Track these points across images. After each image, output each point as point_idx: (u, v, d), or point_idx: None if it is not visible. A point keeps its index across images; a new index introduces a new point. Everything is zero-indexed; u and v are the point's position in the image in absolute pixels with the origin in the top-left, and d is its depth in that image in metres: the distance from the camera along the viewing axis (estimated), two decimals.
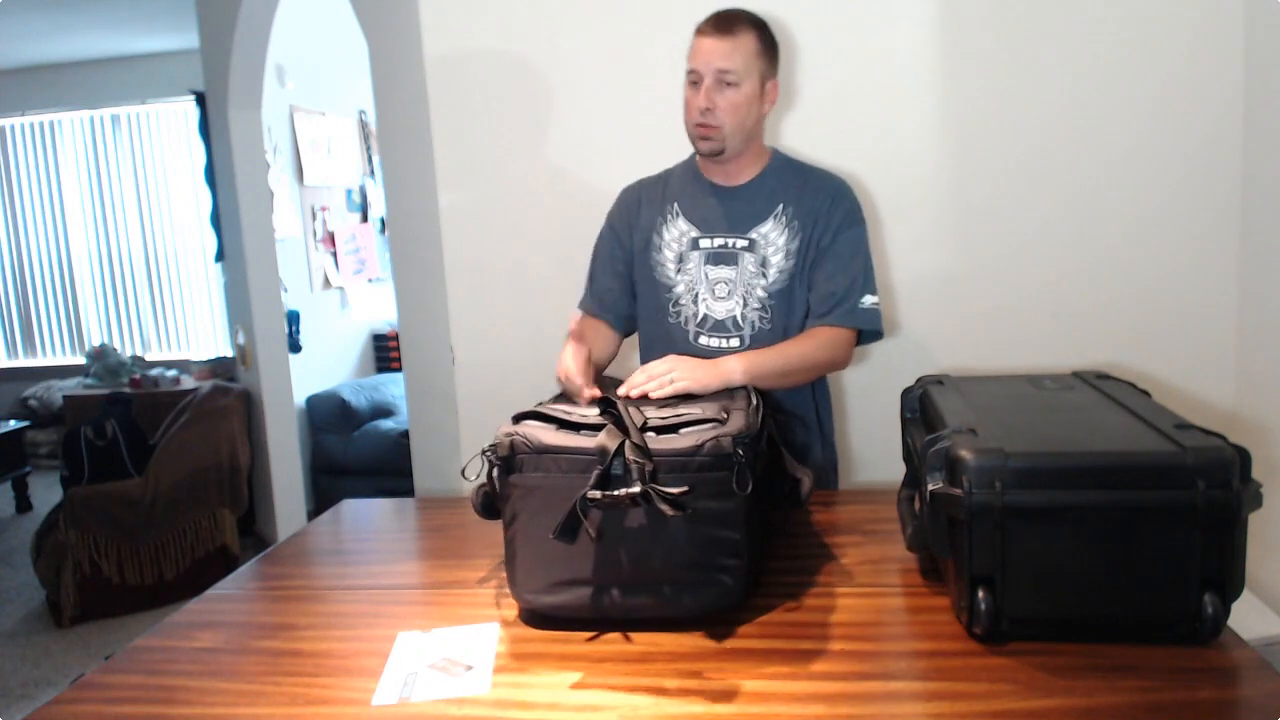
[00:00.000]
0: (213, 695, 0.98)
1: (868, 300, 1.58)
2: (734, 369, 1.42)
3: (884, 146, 2.09)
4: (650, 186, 1.71)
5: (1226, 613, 0.94)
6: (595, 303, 1.71)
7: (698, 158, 1.65)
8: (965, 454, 0.96)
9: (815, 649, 1.00)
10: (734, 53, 1.50)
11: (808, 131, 2.10)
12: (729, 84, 1.51)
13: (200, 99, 4.18)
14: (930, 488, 1.00)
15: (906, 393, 1.34)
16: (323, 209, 4.88)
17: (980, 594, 0.96)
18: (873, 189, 2.10)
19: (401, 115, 2.38)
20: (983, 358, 2.11)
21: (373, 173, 5.31)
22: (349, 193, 5.16)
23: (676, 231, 1.63)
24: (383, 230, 5.29)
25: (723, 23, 1.52)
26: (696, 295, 1.61)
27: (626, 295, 1.71)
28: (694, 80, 1.54)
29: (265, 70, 3.78)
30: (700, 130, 1.54)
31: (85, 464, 3.63)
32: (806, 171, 1.66)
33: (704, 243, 1.61)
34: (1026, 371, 1.37)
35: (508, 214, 2.25)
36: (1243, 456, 0.93)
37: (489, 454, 1.13)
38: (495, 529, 1.41)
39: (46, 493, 4.99)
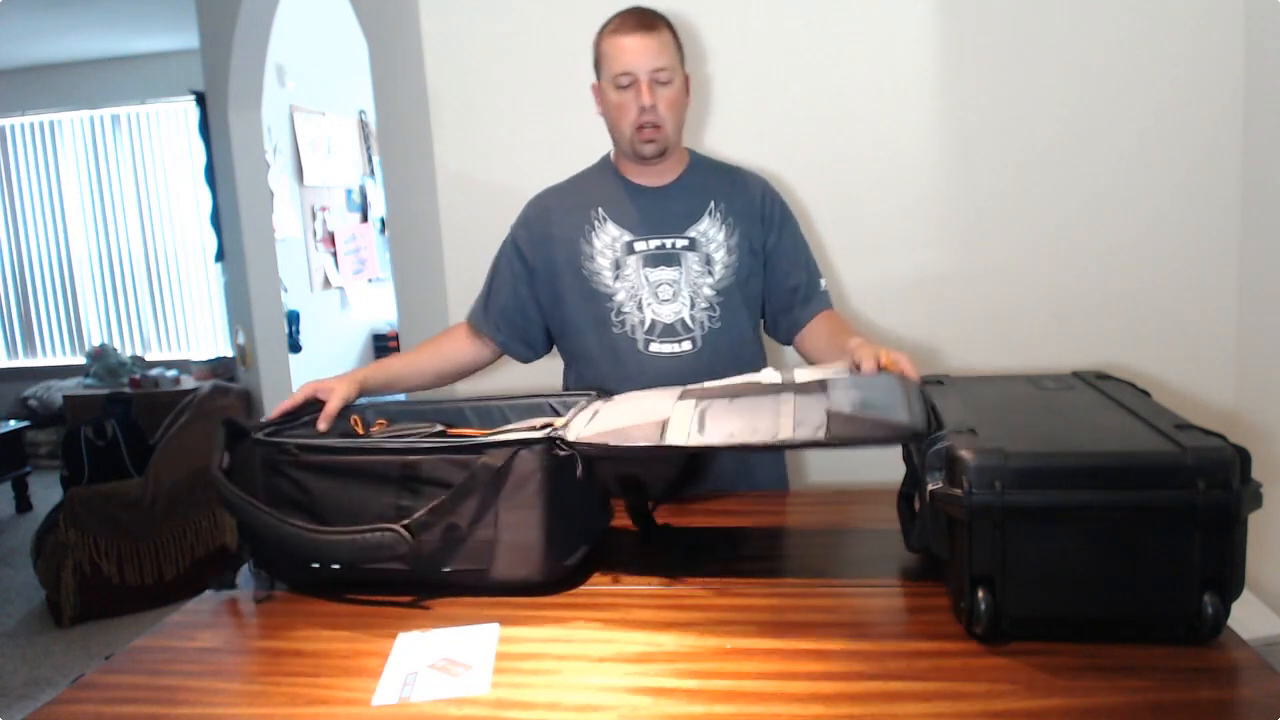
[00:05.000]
0: (213, 695, 0.98)
1: (823, 283, 1.67)
2: None
3: (884, 147, 2.09)
4: (561, 194, 1.66)
5: (1226, 613, 0.94)
6: (485, 319, 1.65)
7: (616, 160, 1.62)
8: (965, 454, 0.96)
9: (815, 649, 1.00)
10: (662, 49, 1.48)
11: (806, 131, 2.10)
12: (663, 82, 1.49)
13: (200, 99, 4.18)
14: (930, 488, 1.00)
15: None
16: (323, 209, 4.89)
17: (980, 594, 0.96)
18: (873, 189, 2.10)
19: (401, 115, 2.38)
20: (983, 358, 2.11)
21: (373, 173, 5.31)
22: (349, 193, 5.17)
23: (608, 238, 1.58)
24: (383, 230, 5.29)
25: (643, 21, 1.50)
26: (640, 301, 1.55)
27: (521, 315, 1.65)
28: (624, 84, 1.50)
29: (265, 70, 3.79)
30: (644, 134, 1.51)
31: (85, 464, 3.63)
32: (729, 169, 1.67)
33: (639, 245, 1.57)
34: (1026, 371, 1.37)
35: (508, 214, 2.24)
36: (1243, 456, 0.93)
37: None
38: None
39: (46, 493, 4.99)
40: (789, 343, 1.68)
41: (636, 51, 1.47)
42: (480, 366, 1.69)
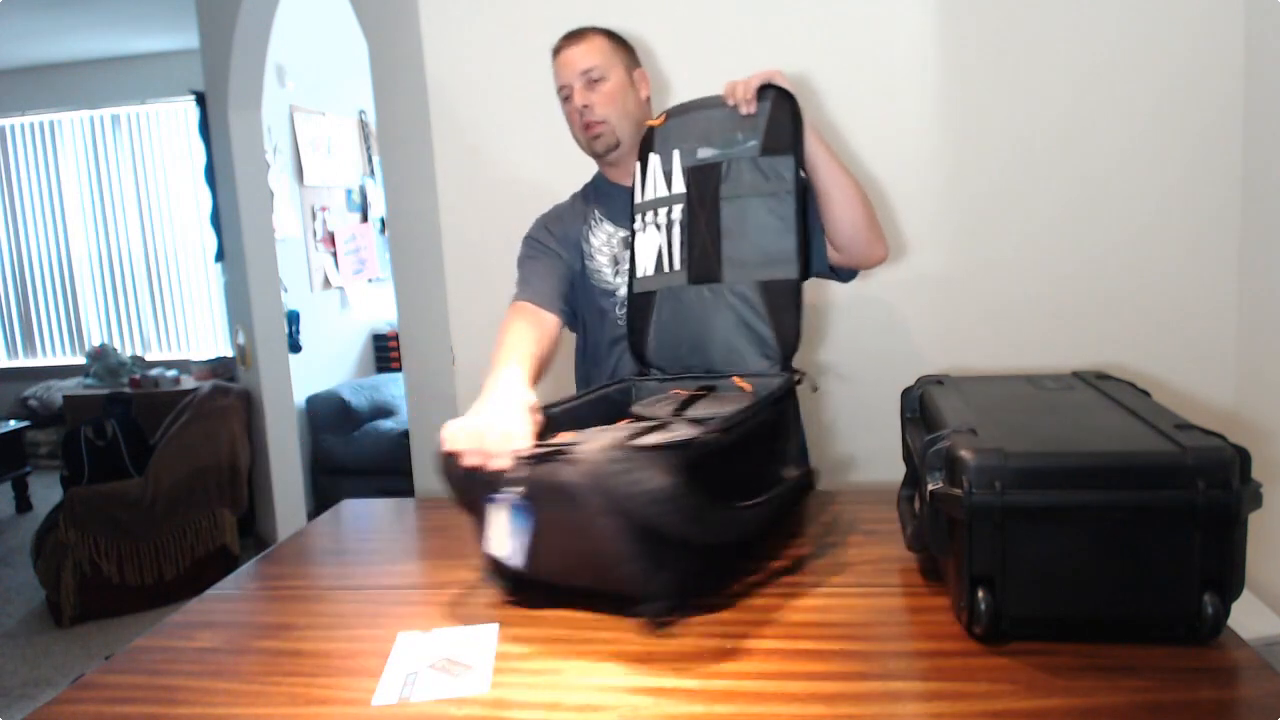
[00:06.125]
0: (213, 695, 0.98)
1: None
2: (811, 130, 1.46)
3: (883, 146, 2.09)
4: (565, 208, 1.70)
5: (1226, 613, 0.93)
6: (533, 294, 1.56)
7: (601, 169, 1.69)
8: (965, 454, 0.96)
9: (815, 649, 1.00)
10: (590, 52, 1.58)
11: None
12: (596, 79, 1.57)
13: (200, 99, 4.18)
14: (930, 488, 1.00)
15: (906, 393, 1.34)
16: (323, 209, 4.89)
17: (980, 594, 0.96)
18: (872, 189, 2.10)
19: (401, 115, 2.38)
20: (983, 358, 2.11)
21: (373, 173, 5.31)
22: (349, 193, 5.16)
23: (604, 235, 1.64)
24: (383, 230, 5.29)
25: (572, 35, 1.62)
26: None
27: (565, 284, 1.60)
28: (566, 95, 1.60)
29: (265, 70, 3.79)
30: (589, 132, 1.59)
31: (85, 464, 3.63)
32: None
33: None
34: (1026, 371, 1.37)
35: (507, 214, 2.24)
36: (1243, 456, 0.93)
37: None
38: None
39: (46, 493, 4.99)
40: (829, 269, 1.57)
41: (566, 64, 1.59)
42: (557, 346, 1.57)
